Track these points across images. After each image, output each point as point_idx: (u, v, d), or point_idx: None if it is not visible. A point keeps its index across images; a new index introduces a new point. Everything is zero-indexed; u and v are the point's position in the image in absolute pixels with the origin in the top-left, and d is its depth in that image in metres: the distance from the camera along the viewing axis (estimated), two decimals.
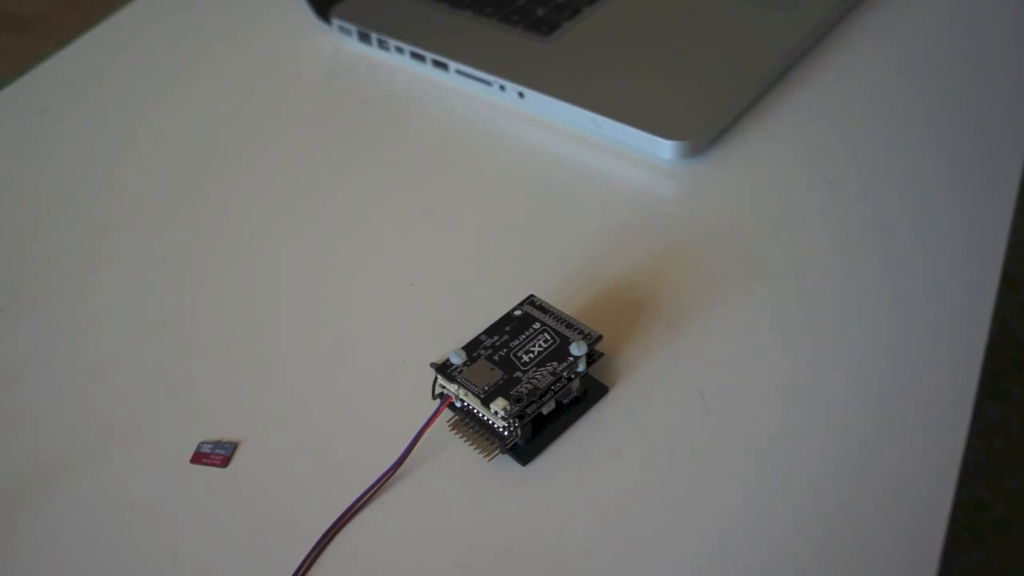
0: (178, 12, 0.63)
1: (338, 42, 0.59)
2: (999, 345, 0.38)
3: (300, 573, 0.33)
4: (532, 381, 0.35)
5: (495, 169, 0.49)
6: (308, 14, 0.59)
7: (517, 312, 0.38)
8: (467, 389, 0.35)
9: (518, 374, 0.35)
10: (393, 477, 0.35)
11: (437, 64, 0.54)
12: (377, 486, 0.35)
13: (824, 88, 0.52)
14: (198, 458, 0.37)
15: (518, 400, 0.34)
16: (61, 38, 0.58)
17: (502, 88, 0.52)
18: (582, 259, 0.43)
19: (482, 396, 0.35)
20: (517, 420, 0.35)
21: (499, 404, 0.34)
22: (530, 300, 0.39)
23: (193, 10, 0.63)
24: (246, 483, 0.36)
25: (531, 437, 0.36)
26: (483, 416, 0.36)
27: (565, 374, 0.36)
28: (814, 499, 0.34)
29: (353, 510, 0.34)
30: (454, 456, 0.36)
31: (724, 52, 0.53)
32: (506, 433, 0.35)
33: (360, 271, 0.44)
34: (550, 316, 0.38)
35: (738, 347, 0.39)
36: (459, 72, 0.54)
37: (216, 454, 0.37)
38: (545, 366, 0.36)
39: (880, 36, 0.55)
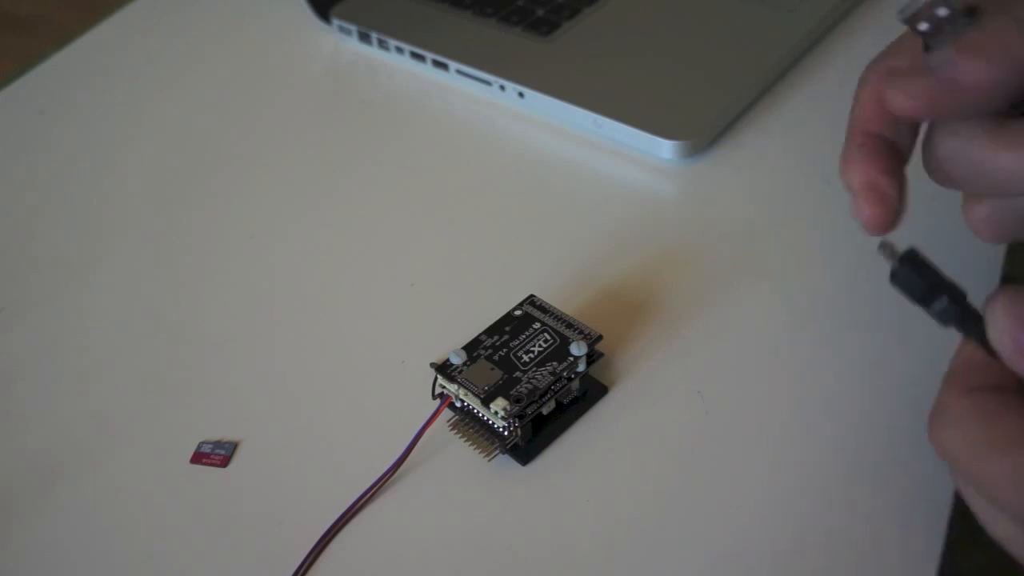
0: (178, 12, 0.63)
1: (338, 42, 0.59)
2: None
3: (300, 573, 0.33)
4: (532, 381, 0.35)
5: (495, 169, 0.49)
6: (308, 14, 0.59)
7: (517, 312, 0.38)
8: (467, 389, 0.35)
9: (518, 374, 0.35)
10: (393, 477, 0.35)
11: (437, 64, 0.54)
12: (377, 486, 0.35)
13: (824, 88, 0.52)
14: (198, 458, 0.37)
15: (518, 400, 0.34)
16: (61, 38, 0.58)
17: (502, 88, 0.52)
18: (582, 259, 0.43)
19: (482, 396, 0.35)
20: (517, 420, 0.35)
21: (499, 404, 0.34)
22: (530, 300, 0.39)
23: (193, 10, 0.63)
24: (246, 483, 0.36)
25: (531, 437, 0.36)
26: (483, 416, 0.36)
27: (565, 374, 0.36)
28: (814, 499, 0.34)
29: (353, 510, 0.34)
30: (454, 456, 0.36)
31: (724, 52, 0.53)
32: (506, 433, 0.35)
33: (360, 271, 0.44)
34: (550, 316, 0.38)
35: (738, 347, 0.39)
36: (459, 72, 0.54)
37: (216, 454, 0.37)
38: (545, 366, 0.36)
39: (880, 36, 0.55)
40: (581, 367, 0.36)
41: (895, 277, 0.29)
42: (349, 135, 0.52)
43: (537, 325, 0.38)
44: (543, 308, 0.38)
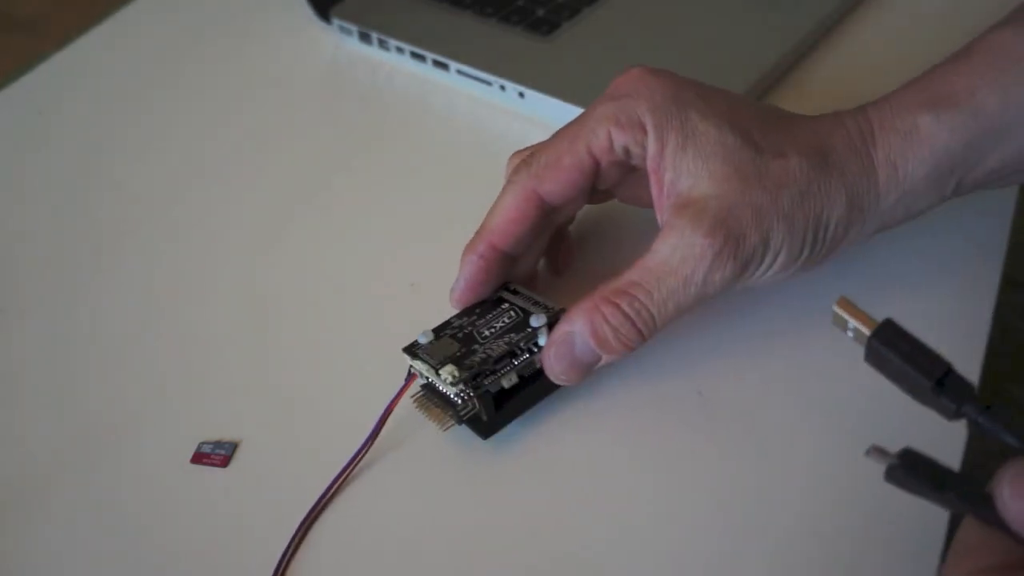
0: (178, 12, 0.63)
1: (338, 42, 0.59)
2: (999, 345, 0.38)
3: (283, 562, 0.33)
4: (486, 351, 0.35)
5: (495, 169, 0.49)
6: (308, 14, 0.59)
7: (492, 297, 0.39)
8: (426, 363, 0.35)
9: (476, 347, 0.36)
10: (368, 458, 0.35)
11: (437, 64, 0.54)
12: (351, 468, 0.35)
13: (823, 89, 0.52)
14: (198, 458, 0.37)
15: (469, 367, 0.34)
16: (61, 38, 0.58)
17: (502, 88, 0.52)
18: (581, 258, 0.43)
19: (436, 366, 0.35)
20: (471, 390, 0.35)
21: (448, 370, 0.34)
22: (505, 286, 0.39)
23: (193, 10, 0.63)
24: (246, 483, 0.36)
25: (494, 411, 0.36)
26: (442, 388, 0.36)
27: (523, 344, 0.36)
28: (814, 497, 0.34)
29: (329, 494, 0.35)
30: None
31: (723, 52, 0.53)
32: (459, 402, 0.35)
33: (360, 271, 0.44)
34: (520, 297, 0.38)
35: (738, 346, 0.39)
36: (459, 72, 0.54)
37: (216, 454, 0.37)
38: (503, 338, 0.36)
39: (881, 36, 0.55)
40: (542, 340, 0.36)
41: (892, 476, 0.29)
42: (349, 135, 0.52)
43: (505, 305, 0.38)
44: (515, 291, 0.39)
